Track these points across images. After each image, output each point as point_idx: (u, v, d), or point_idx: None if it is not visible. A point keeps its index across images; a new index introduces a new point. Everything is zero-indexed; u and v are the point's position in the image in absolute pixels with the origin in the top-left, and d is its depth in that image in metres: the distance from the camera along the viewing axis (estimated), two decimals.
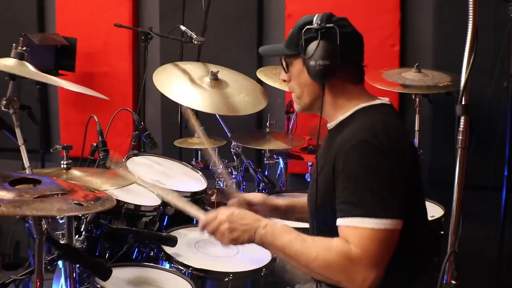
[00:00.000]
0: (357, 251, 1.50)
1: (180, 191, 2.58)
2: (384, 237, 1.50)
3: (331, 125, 1.77)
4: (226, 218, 1.69)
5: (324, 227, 1.69)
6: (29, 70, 1.99)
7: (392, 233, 1.51)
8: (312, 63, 1.66)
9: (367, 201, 1.51)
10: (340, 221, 1.56)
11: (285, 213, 2.06)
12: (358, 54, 1.73)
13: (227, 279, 2.08)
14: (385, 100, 1.76)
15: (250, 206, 2.00)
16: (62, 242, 1.90)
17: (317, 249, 1.56)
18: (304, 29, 1.67)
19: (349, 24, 1.71)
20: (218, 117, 3.09)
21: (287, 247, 1.60)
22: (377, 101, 1.73)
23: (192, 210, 1.84)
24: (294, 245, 1.59)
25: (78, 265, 1.95)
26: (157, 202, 2.45)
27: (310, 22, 1.68)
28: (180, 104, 2.78)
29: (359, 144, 1.57)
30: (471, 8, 1.35)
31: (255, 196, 2.05)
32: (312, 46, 1.66)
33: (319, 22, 1.66)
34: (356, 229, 1.52)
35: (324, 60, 1.64)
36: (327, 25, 1.65)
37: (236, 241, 1.68)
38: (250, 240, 1.67)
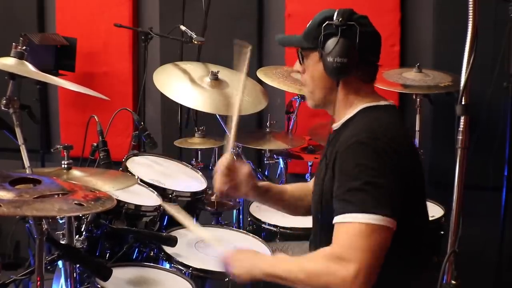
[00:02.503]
0: (333, 247, 1.52)
1: (180, 191, 2.58)
2: (368, 231, 1.48)
3: (336, 125, 1.77)
4: (230, 260, 1.71)
5: (328, 227, 1.70)
6: (29, 70, 1.99)
7: (381, 229, 1.49)
8: (329, 59, 1.65)
9: (356, 198, 1.51)
10: (334, 219, 1.56)
11: (264, 193, 2.04)
12: (375, 53, 1.74)
13: (227, 279, 2.08)
14: (391, 102, 1.76)
15: (234, 172, 1.95)
16: (62, 242, 1.90)
17: (304, 261, 1.58)
18: (325, 24, 1.67)
19: (369, 23, 1.72)
20: (218, 117, 3.09)
21: (278, 271, 1.60)
22: (382, 102, 1.73)
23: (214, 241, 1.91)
24: (282, 266, 1.60)
25: (78, 265, 1.95)
26: (158, 202, 2.45)
27: (331, 17, 1.67)
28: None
29: (356, 144, 1.57)
30: (471, 8, 1.35)
31: (243, 167, 1.97)
32: (331, 42, 1.65)
33: (340, 19, 1.65)
34: (340, 225, 1.53)
35: (342, 57, 1.64)
36: (348, 22, 1.65)
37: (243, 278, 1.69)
38: (256, 278, 1.66)
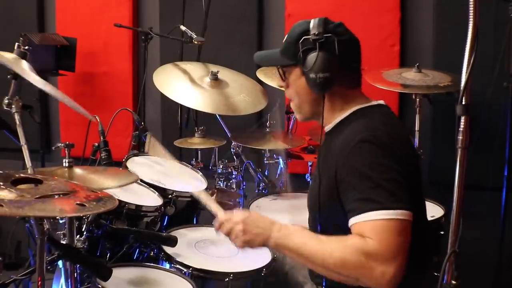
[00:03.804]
0: (374, 244, 1.47)
1: (180, 191, 2.58)
2: (400, 228, 1.48)
3: (328, 127, 1.77)
4: (240, 220, 1.67)
5: (327, 226, 1.70)
6: (24, 69, 1.97)
7: (407, 224, 1.50)
8: (312, 75, 1.64)
9: (378, 196, 1.50)
10: (353, 220, 1.53)
11: None
12: (356, 60, 1.72)
13: (227, 279, 2.08)
14: (381, 102, 1.77)
15: None
16: (63, 242, 1.90)
17: (332, 246, 1.53)
18: (301, 39, 1.65)
19: (345, 30, 1.69)
20: (218, 117, 3.09)
21: (302, 248, 1.58)
22: (373, 102, 1.74)
23: (214, 206, 1.84)
24: (308, 245, 1.57)
25: (78, 265, 1.95)
26: (159, 202, 2.46)
27: (307, 31, 1.66)
28: None
29: (360, 143, 1.57)
30: (471, 8, 1.34)
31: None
32: (311, 58, 1.64)
33: (316, 32, 1.63)
34: (372, 223, 1.49)
35: (324, 72, 1.63)
36: (325, 34, 1.63)
37: (249, 244, 1.66)
38: (264, 244, 1.65)
